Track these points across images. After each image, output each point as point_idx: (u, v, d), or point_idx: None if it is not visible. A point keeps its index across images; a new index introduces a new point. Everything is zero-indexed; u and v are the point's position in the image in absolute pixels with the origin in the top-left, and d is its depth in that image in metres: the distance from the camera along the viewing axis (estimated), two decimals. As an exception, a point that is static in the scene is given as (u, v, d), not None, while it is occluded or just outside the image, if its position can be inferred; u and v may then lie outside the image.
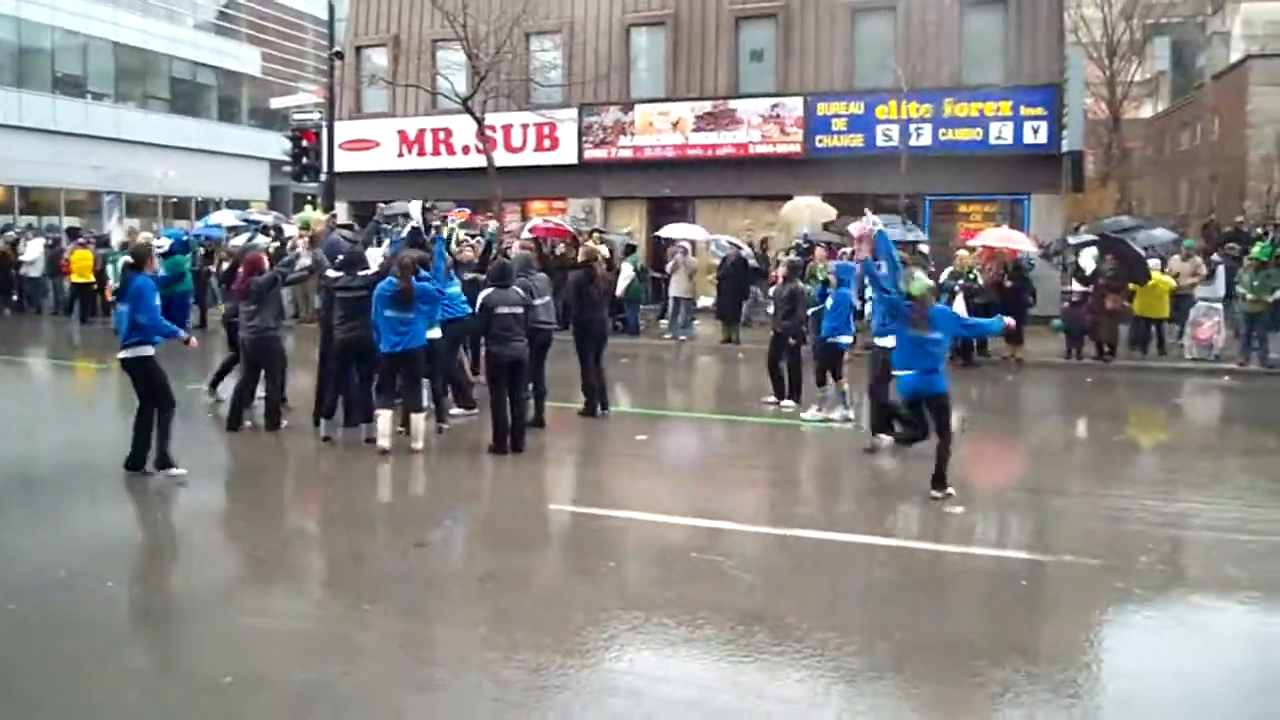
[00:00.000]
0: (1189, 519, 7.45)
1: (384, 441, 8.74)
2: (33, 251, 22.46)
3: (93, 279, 20.12)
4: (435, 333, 9.59)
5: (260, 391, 9.90)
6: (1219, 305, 15.74)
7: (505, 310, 8.90)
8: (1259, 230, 20.33)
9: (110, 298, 18.45)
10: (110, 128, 37.53)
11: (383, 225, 12.47)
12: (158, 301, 7.99)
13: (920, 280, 7.66)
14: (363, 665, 4.73)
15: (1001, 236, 16.56)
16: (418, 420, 8.91)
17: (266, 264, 10.03)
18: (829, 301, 10.46)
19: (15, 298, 22.63)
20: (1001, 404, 13.03)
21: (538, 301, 9.69)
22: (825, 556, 6.51)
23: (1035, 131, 20.25)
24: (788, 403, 11.35)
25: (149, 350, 7.88)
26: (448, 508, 7.84)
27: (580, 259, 11.82)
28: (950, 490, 7.50)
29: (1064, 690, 4.56)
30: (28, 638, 4.98)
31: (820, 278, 15.43)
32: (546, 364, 10.21)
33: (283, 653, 4.90)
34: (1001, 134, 20.41)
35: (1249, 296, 14.75)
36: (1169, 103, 45.36)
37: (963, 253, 15.91)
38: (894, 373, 7.91)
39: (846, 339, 10.45)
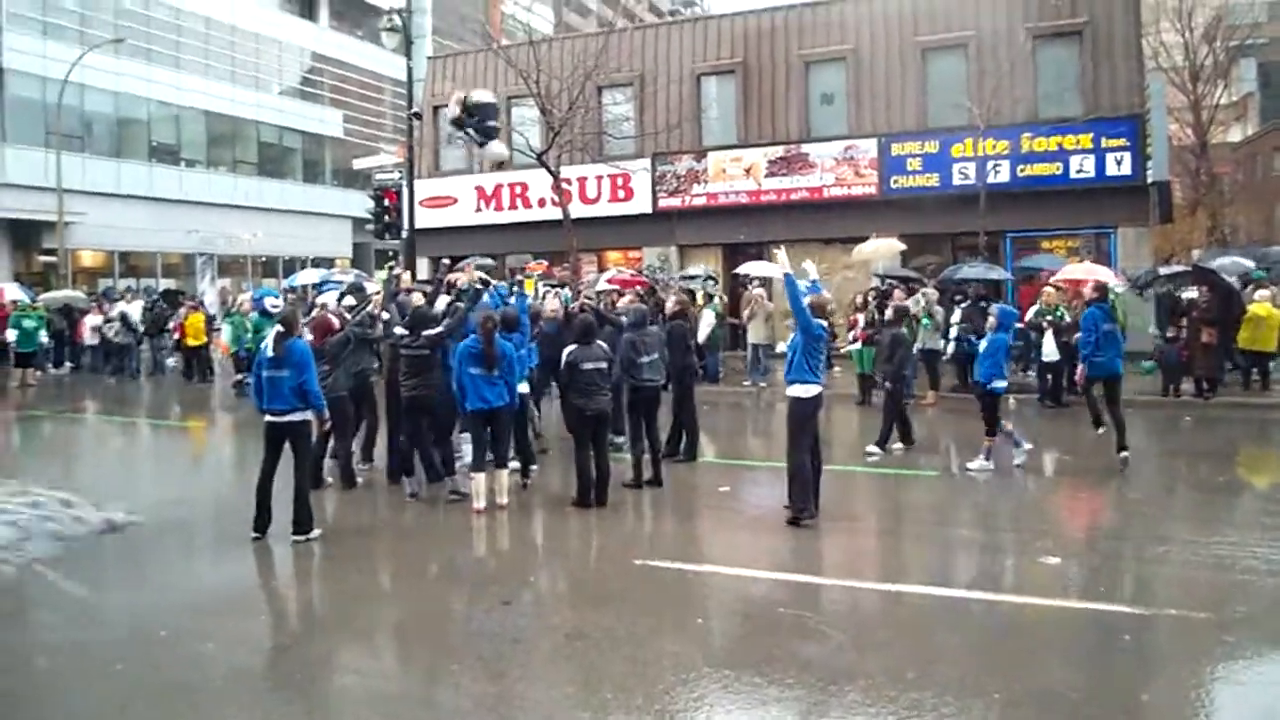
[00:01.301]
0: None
1: (479, 502, 8.79)
2: (134, 314, 23.42)
3: (205, 340, 20.91)
4: (524, 388, 9.77)
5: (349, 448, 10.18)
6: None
7: (589, 366, 8.99)
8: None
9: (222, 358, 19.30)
10: (202, 192, 39.26)
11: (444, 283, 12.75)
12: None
13: None
14: (453, 726, 4.75)
15: (1086, 271, 16.14)
16: (502, 475, 8.99)
17: (337, 324, 10.24)
18: (983, 345, 10.49)
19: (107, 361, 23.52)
20: (1095, 446, 12.60)
21: (644, 359, 9.71)
22: (918, 611, 6.35)
23: (1118, 163, 19.84)
24: (896, 446, 11.42)
25: (307, 415, 8.15)
26: (532, 563, 7.87)
27: (673, 308, 11.99)
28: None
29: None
30: (134, 698, 5.13)
31: (925, 322, 15.35)
32: (655, 420, 10.12)
33: (373, 713, 4.95)
34: (1083, 167, 20.03)
35: None
36: (1259, 125, 43.96)
37: (1049, 290, 15.53)
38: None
39: (1002, 384, 10.38)
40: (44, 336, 22.28)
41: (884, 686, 5.02)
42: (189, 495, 10.50)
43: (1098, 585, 6.91)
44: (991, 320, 10.61)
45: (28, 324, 21.41)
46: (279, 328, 8.19)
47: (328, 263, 39.56)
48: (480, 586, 7.14)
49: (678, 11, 69.53)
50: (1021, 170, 20.37)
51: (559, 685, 5.24)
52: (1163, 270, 18.02)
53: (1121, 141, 19.86)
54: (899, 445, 11.56)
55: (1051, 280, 16.47)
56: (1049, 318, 14.73)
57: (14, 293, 25.71)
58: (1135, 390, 15.34)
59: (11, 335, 21.20)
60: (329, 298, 15.76)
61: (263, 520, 8.07)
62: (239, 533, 8.17)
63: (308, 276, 25.76)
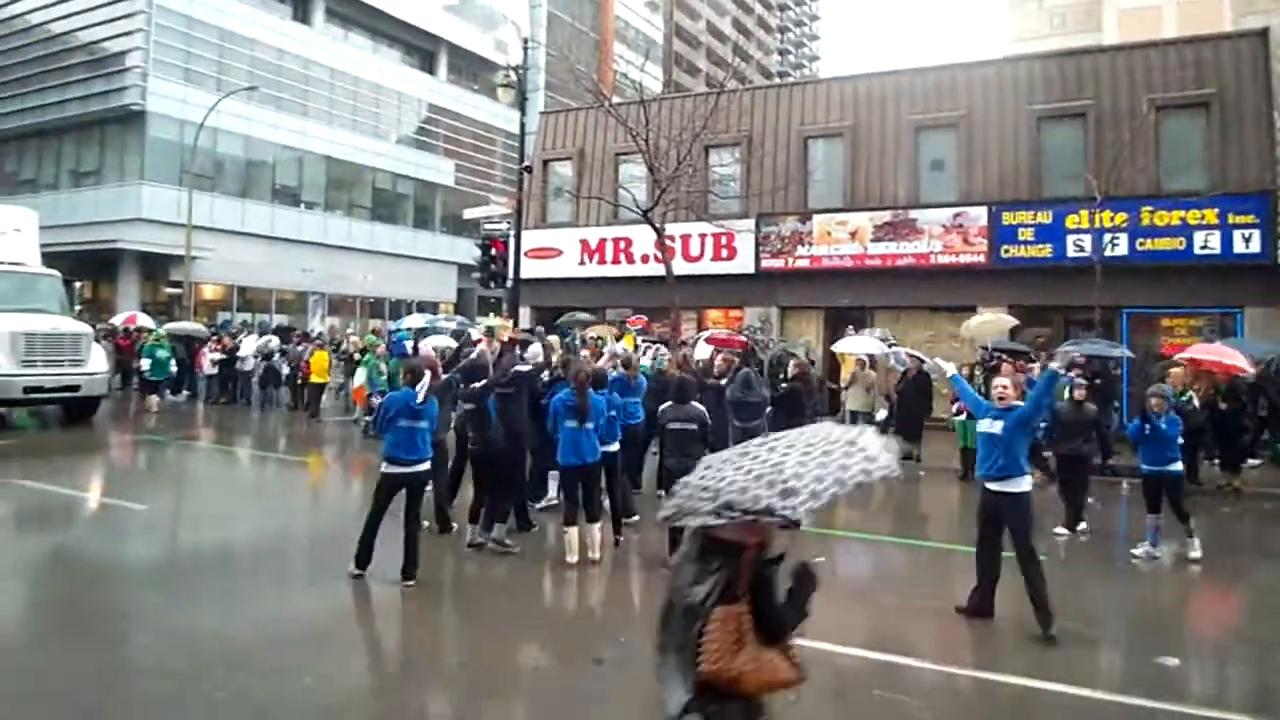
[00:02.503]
0: None
1: (571, 556, 8.79)
2: (247, 348, 24.38)
3: (328, 379, 21.52)
4: (614, 446, 9.75)
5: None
6: None
7: (678, 426, 8.94)
8: None
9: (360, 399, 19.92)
10: (319, 234, 40.91)
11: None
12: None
13: None
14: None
15: (1212, 352, 15.35)
16: (594, 530, 8.95)
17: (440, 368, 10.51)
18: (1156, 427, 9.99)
19: (231, 390, 24.48)
20: (1219, 539, 11.91)
21: (753, 423, 9.77)
22: (1023, 704, 6.02)
23: (1246, 240, 19.00)
24: (1081, 527, 11.15)
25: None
26: (623, 621, 7.76)
27: (793, 373, 12.20)
28: None
29: None
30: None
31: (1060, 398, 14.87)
32: None
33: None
34: (1208, 243, 19.25)
35: None
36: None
37: (1177, 370, 14.79)
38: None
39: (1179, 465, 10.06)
40: (174, 366, 23.37)
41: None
42: (299, 526, 10.74)
43: (1218, 691, 6.46)
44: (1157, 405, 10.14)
45: (161, 354, 22.46)
46: (412, 375, 8.25)
47: (433, 307, 40.76)
48: (571, 643, 7.06)
49: (786, 74, 70.06)
50: (1141, 244, 19.68)
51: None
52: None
53: (1250, 218, 19.03)
54: (1083, 526, 11.12)
55: (1179, 358, 15.74)
56: (1178, 399, 14.00)
57: (143, 320, 27.13)
58: (1266, 481, 14.53)
59: (145, 364, 22.29)
60: (428, 342, 16.17)
61: (365, 559, 8.17)
62: (338, 567, 8.29)
63: (413, 320, 26.48)
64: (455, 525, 10.26)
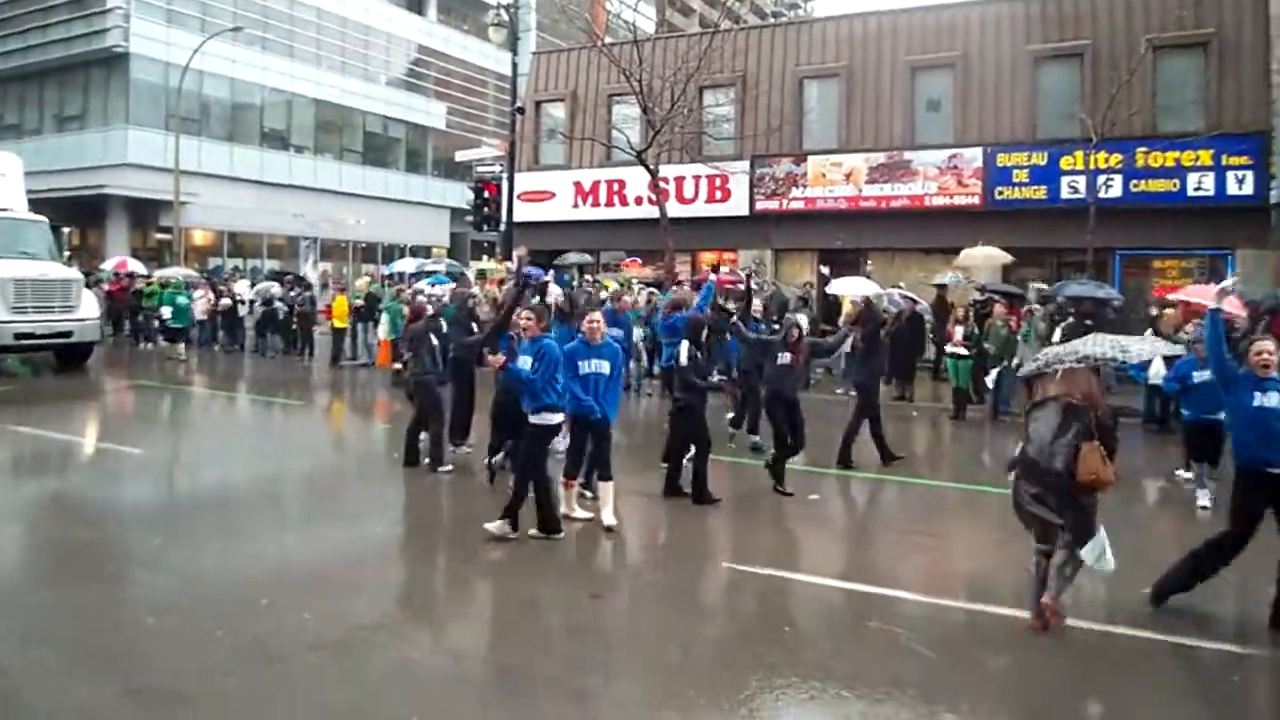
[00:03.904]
0: None
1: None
2: (243, 293, 24.27)
3: (348, 324, 21.16)
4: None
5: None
6: None
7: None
8: None
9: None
10: (309, 178, 40.50)
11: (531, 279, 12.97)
12: None
13: None
14: (534, 714, 4.78)
15: (1204, 294, 15.40)
16: (607, 490, 8.73)
17: (429, 311, 10.64)
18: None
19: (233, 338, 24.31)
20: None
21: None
22: (1013, 634, 6.15)
23: (1240, 182, 18.97)
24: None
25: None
26: (624, 561, 7.87)
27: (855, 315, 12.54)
28: None
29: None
30: (230, 663, 5.29)
31: (1025, 335, 14.91)
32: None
33: (458, 697, 5.02)
34: (1202, 184, 19.21)
35: None
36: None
37: (1170, 311, 14.88)
38: None
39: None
40: (200, 312, 23.12)
41: (976, 711, 4.90)
42: (299, 470, 10.83)
43: (1205, 621, 6.62)
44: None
45: (181, 301, 22.21)
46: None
47: (425, 251, 40.54)
48: (570, 581, 7.18)
49: (781, 14, 68.99)
50: (1135, 186, 19.63)
51: (644, 683, 5.24)
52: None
53: (1244, 159, 18.98)
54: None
55: (1172, 297, 15.81)
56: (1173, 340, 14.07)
57: (134, 266, 26.93)
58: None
59: (167, 312, 22.06)
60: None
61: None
62: (338, 509, 8.39)
63: (405, 264, 26.39)
64: (450, 465, 10.37)
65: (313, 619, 5.96)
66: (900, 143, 22.37)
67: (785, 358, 9.67)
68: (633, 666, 5.51)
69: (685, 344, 9.28)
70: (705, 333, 9.65)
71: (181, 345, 21.83)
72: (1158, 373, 13.59)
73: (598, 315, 8.41)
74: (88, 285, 20.08)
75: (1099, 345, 6.08)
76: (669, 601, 6.68)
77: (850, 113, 23.24)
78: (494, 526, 7.73)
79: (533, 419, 7.83)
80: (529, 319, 7.99)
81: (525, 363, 7.75)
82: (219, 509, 8.89)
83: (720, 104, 24.55)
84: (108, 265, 28.52)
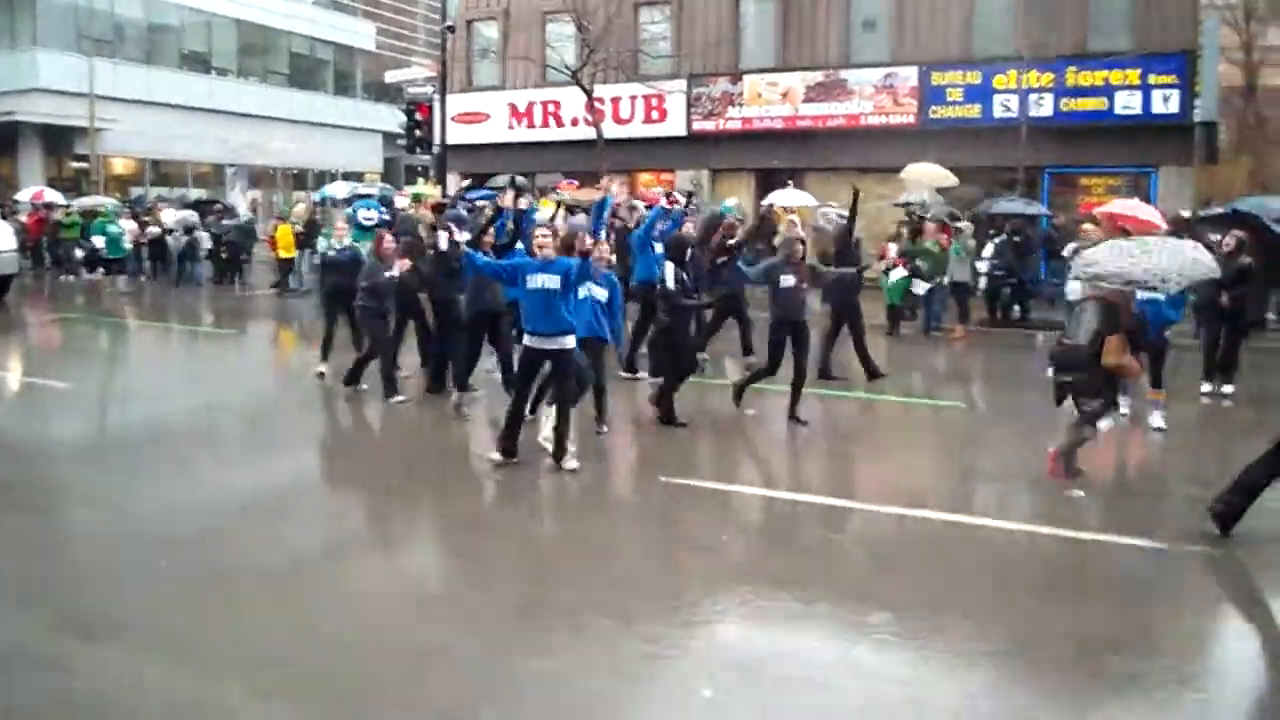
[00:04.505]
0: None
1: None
2: (168, 220, 23.42)
3: (294, 254, 20.21)
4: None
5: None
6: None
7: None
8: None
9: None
10: (233, 102, 39.03)
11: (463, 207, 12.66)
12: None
13: None
14: (480, 628, 4.88)
15: (1129, 208, 15.77)
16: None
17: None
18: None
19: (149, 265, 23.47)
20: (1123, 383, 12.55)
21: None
22: (942, 538, 6.41)
23: (1165, 100, 19.29)
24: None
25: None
26: (564, 479, 7.95)
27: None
28: None
29: (1194, 684, 4.43)
30: (170, 592, 5.29)
31: (955, 252, 15.13)
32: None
33: (401, 614, 5.07)
34: (1129, 103, 19.51)
35: None
36: (1312, 68, 42.51)
37: (1089, 226, 15.23)
38: None
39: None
40: (128, 243, 22.12)
41: (908, 610, 5.08)
42: (232, 401, 10.68)
43: (1121, 520, 6.95)
44: None
45: (113, 230, 21.22)
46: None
47: (358, 177, 39.53)
48: (511, 496, 7.27)
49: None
50: (1065, 104, 19.87)
51: (587, 592, 5.36)
52: (1202, 213, 17.64)
53: (1171, 79, 19.27)
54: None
55: (1096, 212, 16.14)
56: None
57: (51, 196, 25.82)
58: (1175, 331, 15.10)
59: (100, 242, 21.08)
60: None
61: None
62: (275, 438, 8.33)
63: (338, 189, 25.77)
64: (364, 385, 10.29)
65: (253, 547, 5.96)
66: (837, 61, 22.28)
67: (790, 279, 9.10)
68: (573, 579, 5.63)
69: (670, 265, 9.13)
70: (688, 251, 9.57)
71: (121, 278, 21.08)
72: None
73: (546, 230, 7.80)
74: (2, 216, 19.27)
75: (1142, 271, 6.90)
76: (607, 516, 6.82)
77: (787, 31, 23.03)
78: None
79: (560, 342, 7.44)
80: (546, 237, 7.53)
81: (545, 280, 7.29)
82: (154, 442, 8.74)
83: (656, 22, 24.17)
84: (23, 196, 27.35)
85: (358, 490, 7.60)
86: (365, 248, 13.79)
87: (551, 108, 24.79)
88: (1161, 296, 8.34)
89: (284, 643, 4.72)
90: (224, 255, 22.11)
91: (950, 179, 18.82)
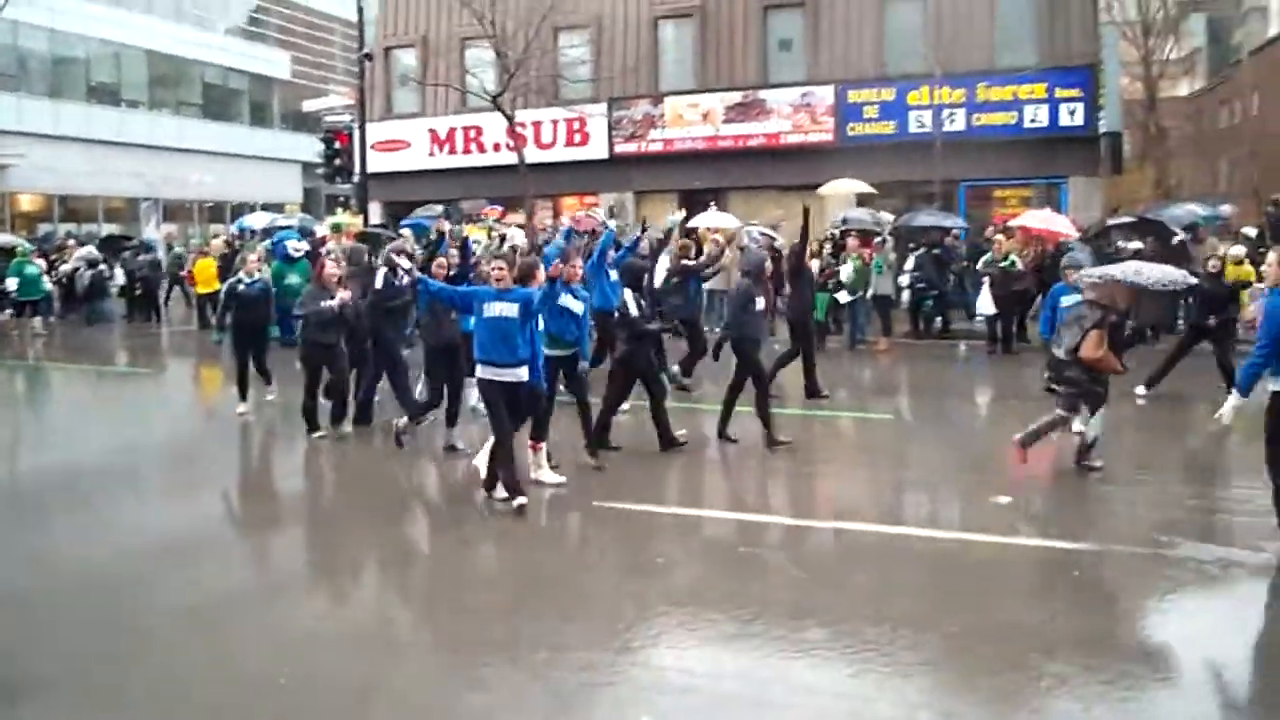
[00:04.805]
0: (1243, 504, 7.33)
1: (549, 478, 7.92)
2: (75, 261, 22.61)
3: (217, 288, 19.49)
4: None
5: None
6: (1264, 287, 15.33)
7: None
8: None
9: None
10: (145, 135, 38.02)
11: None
12: None
13: None
14: (414, 665, 4.77)
15: (1042, 219, 16.31)
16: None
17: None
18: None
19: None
20: (1042, 390, 12.87)
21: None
22: (876, 549, 6.47)
23: (1071, 113, 20.01)
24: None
25: None
26: (492, 505, 7.84)
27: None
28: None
29: (1120, 682, 4.50)
30: (89, 640, 5.06)
31: (855, 267, 15.36)
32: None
33: (333, 653, 4.92)
34: (1037, 117, 20.18)
35: None
36: (1206, 80, 44.53)
37: (1000, 237, 15.69)
38: None
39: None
40: (47, 284, 21.07)
41: (843, 622, 5.11)
42: (149, 441, 10.33)
43: (1048, 524, 7.09)
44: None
45: (30, 271, 20.23)
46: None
47: (277, 208, 38.71)
48: (442, 527, 7.14)
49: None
50: (977, 119, 20.47)
51: (520, 621, 5.27)
52: (1110, 221, 18.26)
53: (1075, 92, 20.01)
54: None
55: (1010, 225, 16.61)
56: (1000, 265, 14.77)
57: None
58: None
59: (12, 284, 20.02)
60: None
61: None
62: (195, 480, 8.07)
63: (256, 220, 25.23)
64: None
65: (176, 591, 5.74)
66: (755, 82, 22.63)
67: (760, 302, 9.06)
68: (507, 610, 5.52)
69: (629, 291, 8.90)
70: (645, 278, 9.49)
71: (38, 320, 20.09)
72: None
73: (501, 261, 7.46)
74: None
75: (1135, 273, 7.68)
76: (539, 544, 6.71)
77: (705, 53, 23.35)
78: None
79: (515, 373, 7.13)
80: (500, 268, 7.22)
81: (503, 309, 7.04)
82: (68, 488, 8.37)
83: (575, 46, 24.27)
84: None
85: (283, 529, 7.40)
86: (296, 279, 13.50)
87: (473, 133, 24.68)
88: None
89: (213, 689, 4.54)
90: (138, 292, 21.44)
91: (864, 188, 19.24)
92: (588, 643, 4.90)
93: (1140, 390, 11.03)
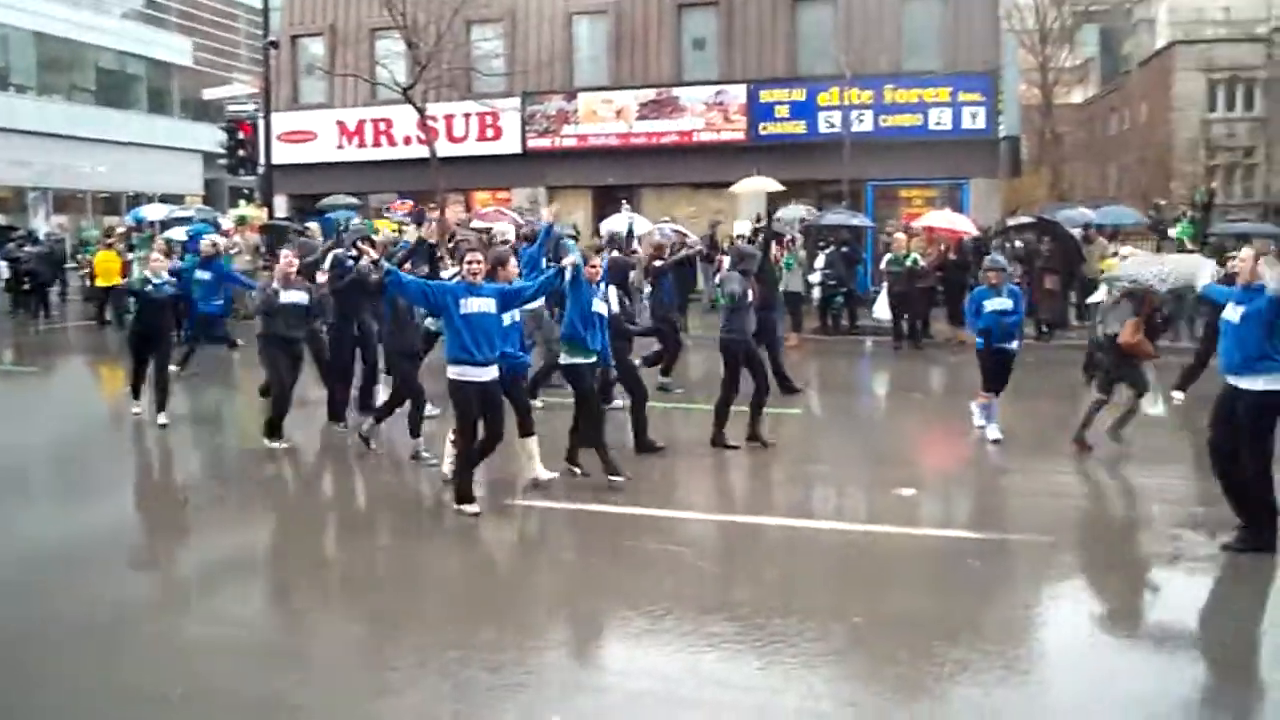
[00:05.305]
0: (1129, 493, 7.66)
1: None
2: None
3: (119, 281, 18.49)
4: None
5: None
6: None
7: None
8: (1183, 211, 20.79)
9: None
10: (35, 121, 36.27)
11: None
12: None
13: None
14: (318, 673, 4.65)
15: (945, 219, 16.79)
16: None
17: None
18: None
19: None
20: (946, 384, 13.26)
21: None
22: (785, 543, 6.57)
23: (974, 117, 20.62)
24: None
25: None
26: (407, 507, 7.72)
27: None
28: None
29: (1017, 667, 4.66)
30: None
31: (788, 264, 15.54)
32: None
33: (234, 666, 4.75)
34: (941, 120, 20.73)
35: None
36: (1098, 88, 46.33)
37: (900, 236, 16.06)
38: None
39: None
40: None
41: (751, 615, 5.17)
42: (40, 443, 9.86)
43: (949, 515, 7.31)
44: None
45: None
46: None
47: (177, 199, 37.38)
48: (344, 534, 7.00)
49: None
50: (884, 120, 20.93)
51: (429, 625, 5.20)
52: (1010, 221, 18.89)
53: (977, 97, 20.62)
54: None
55: (915, 225, 17.04)
56: (904, 264, 15.09)
57: None
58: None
59: None
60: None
61: None
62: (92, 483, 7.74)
63: (153, 211, 24.33)
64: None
65: (68, 601, 5.48)
66: (669, 79, 22.74)
67: (750, 296, 8.85)
68: (415, 610, 5.44)
69: (614, 289, 8.70)
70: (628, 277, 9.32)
71: None
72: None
73: (477, 255, 7.09)
74: None
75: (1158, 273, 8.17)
76: (450, 544, 6.62)
77: (619, 50, 23.33)
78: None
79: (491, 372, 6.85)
80: (478, 262, 6.89)
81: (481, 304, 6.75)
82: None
83: (488, 39, 24.00)
84: None
85: (181, 536, 7.08)
86: (208, 275, 12.87)
87: (383, 126, 24.22)
88: (1009, 305, 8.83)
89: (108, 705, 4.37)
90: (25, 286, 20.44)
91: (775, 186, 19.52)
92: (498, 644, 4.85)
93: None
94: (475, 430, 6.79)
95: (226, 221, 20.78)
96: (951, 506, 7.57)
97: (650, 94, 22.53)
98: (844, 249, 16.71)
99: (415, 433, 8.41)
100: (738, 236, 17.01)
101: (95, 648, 4.90)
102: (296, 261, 9.02)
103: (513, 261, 7.69)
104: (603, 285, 7.97)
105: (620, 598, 5.49)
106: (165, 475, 8.96)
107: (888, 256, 15.74)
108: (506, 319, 7.16)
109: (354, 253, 9.10)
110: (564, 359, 7.69)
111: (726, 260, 15.95)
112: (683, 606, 5.33)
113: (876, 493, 7.58)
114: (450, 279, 7.74)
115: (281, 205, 23.91)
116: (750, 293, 8.79)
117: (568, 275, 7.44)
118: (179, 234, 18.56)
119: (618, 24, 23.33)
